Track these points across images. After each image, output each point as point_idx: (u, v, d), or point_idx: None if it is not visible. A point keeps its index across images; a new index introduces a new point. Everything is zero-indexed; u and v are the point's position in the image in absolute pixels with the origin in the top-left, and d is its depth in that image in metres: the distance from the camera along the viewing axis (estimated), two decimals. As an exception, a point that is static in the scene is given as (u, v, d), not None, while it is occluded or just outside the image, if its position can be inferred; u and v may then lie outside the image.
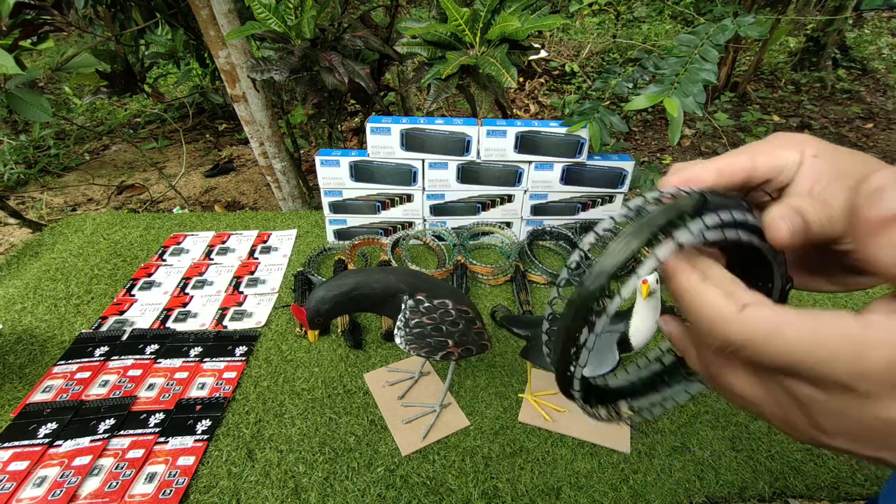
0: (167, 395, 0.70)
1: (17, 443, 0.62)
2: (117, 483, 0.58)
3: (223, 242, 1.08)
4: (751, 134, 2.88)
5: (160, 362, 0.76)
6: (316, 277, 0.93)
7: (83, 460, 0.60)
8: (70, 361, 0.75)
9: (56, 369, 0.74)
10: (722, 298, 0.20)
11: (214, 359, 0.77)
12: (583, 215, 1.08)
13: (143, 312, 0.87)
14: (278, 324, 0.85)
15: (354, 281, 0.57)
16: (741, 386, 0.22)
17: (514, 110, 3.18)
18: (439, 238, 1.08)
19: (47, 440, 0.62)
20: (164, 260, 1.02)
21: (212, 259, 1.02)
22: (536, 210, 1.06)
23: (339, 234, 1.08)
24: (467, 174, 0.99)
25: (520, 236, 1.10)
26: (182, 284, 0.94)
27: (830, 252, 0.23)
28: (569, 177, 1.01)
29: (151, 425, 0.65)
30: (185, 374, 0.74)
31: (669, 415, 0.70)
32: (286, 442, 0.65)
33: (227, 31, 1.14)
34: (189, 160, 2.60)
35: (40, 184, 2.34)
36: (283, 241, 1.10)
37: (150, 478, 0.59)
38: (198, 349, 0.79)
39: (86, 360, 0.76)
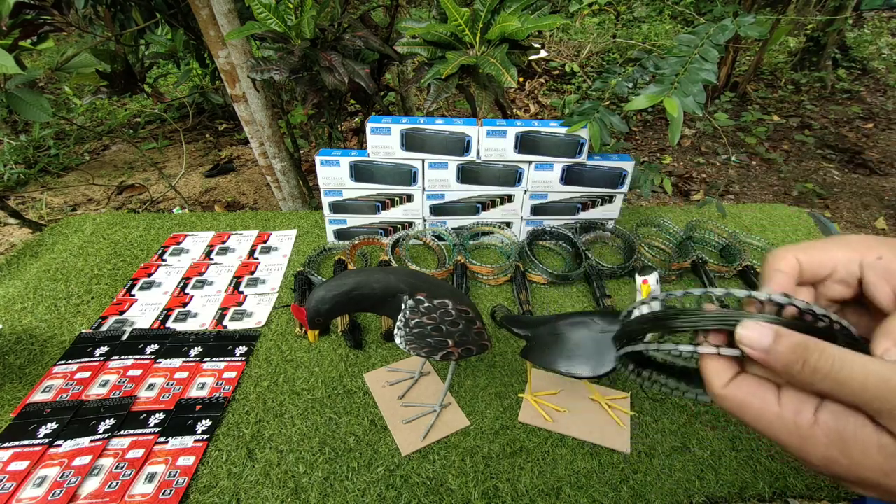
0: (167, 395, 0.70)
1: (17, 443, 0.62)
2: (117, 483, 0.58)
3: (223, 242, 1.08)
4: (751, 134, 2.88)
5: (160, 362, 0.76)
6: (316, 277, 0.93)
7: (83, 460, 0.60)
8: (70, 361, 0.75)
9: (56, 369, 0.74)
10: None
11: (214, 359, 0.77)
12: (583, 215, 1.08)
13: (143, 312, 0.87)
14: (278, 324, 0.85)
15: (354, 281, 0.57)
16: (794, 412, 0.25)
17: (514, 110, 3.18)
18: (439, 238, 1.08)
19: (47, 440, 0.63)
20: (164, 260, 1.02)
21: (212, 259, 1.02)
22: (536, 210, 1.06)
23: (339, 234, 1.08)
24: (467, 174, 0.99)
25: (520, 236, 1.10)
26: (182, 284, 0.94)
27: None
28: (569, 177, 1.01)
29: (151, 425, 0.65)
30: (185, 374, 0.74)
31: (669, 415, 0.70)
32: (286, 442, 0.65)
33: (227, 31, 1.14)
34: (189, 160, 2.60)
35: (40, 184, 2.34)
36: (283, 241, 1.10)
37: (150, 478, 0.59)
38: (198, 349, 0.79)
39: (86, 360, 0.76)
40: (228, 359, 0.77)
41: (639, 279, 0.56)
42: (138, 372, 0.74)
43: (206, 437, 0.64)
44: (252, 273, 0.98)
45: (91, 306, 0.88)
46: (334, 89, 1.03)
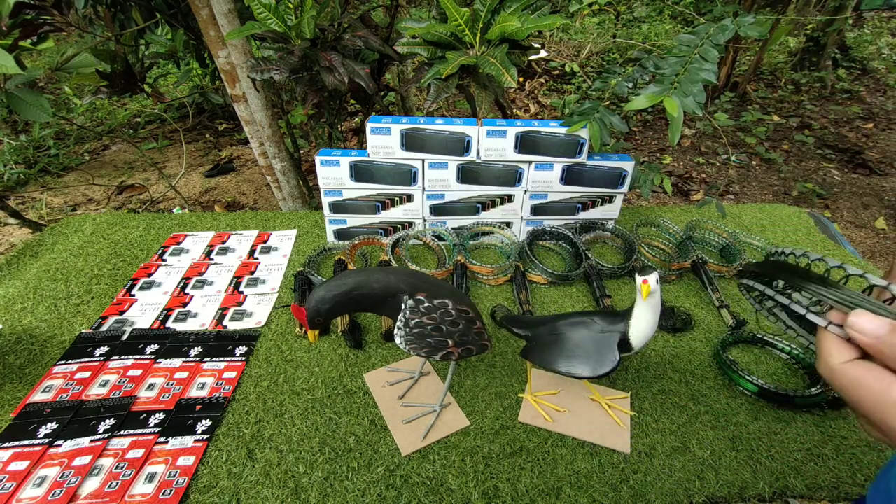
0: (167, 395, 0.70)
1: (17, 443, 0.62)
2: (117, 483, 0.58)
3: (223, 242, 1.08)
4: (751, 134, 2.88)
5: (160, 362, 0.76)
6: (316, 277, 0.93)
7: (83, 460, 0.60)
8: (70, 361, 0.75)
9: (56, 369, 0.74)
10: None
11: (214, 359, 0.77)
12: (583, 215, 1.08)
13: (143, 312, 0.87)
14: (278, 324, 0.85)
15: (354, 281, 0.57)
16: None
17: (514, 110, 3.18)
18: (439, 238, 1.08)
19: (47, 440, 0.62)
20: (164, 260, 1.02)
21: (212, 259, 1.02)
22: (536, 210, 1.06)
23: (339, 234, 1.08)
24: (467, 174, 0.99)
25: (520, 236, 1.10)
26: (182, 284, 0.94)
27: None
28: (569, 177, 1.01)
29: (151, 425, 0.65)
30: (185, 374, 0.74)
31: (669, 415, 0.70)
32: (286, 442, 0.65)
33: (227, 31, 1.14)
34: (189, 160, 2.60)
35: (40, 184, 2.34)
36: (283, 241, 1.10)
37: (150, 478, 0.59)
38: (198, 349, 0.79)
39: (86, 360, 0.76)
40: (228, 359, 0.77)
41: (639, 279, 0.56)
42: (138, 372, 0.74)
43: (206, 437, 0.64)
44: (252, 273, 0.98)
45: (91, 306, 0.88)
46: (334, 89, 1.03)
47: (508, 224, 1.08)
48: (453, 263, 0.97)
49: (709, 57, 0.82)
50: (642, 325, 0.59)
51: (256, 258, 1.03)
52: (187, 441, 0.64)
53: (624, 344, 0.60)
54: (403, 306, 0.58)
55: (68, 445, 0.62)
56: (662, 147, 2.89)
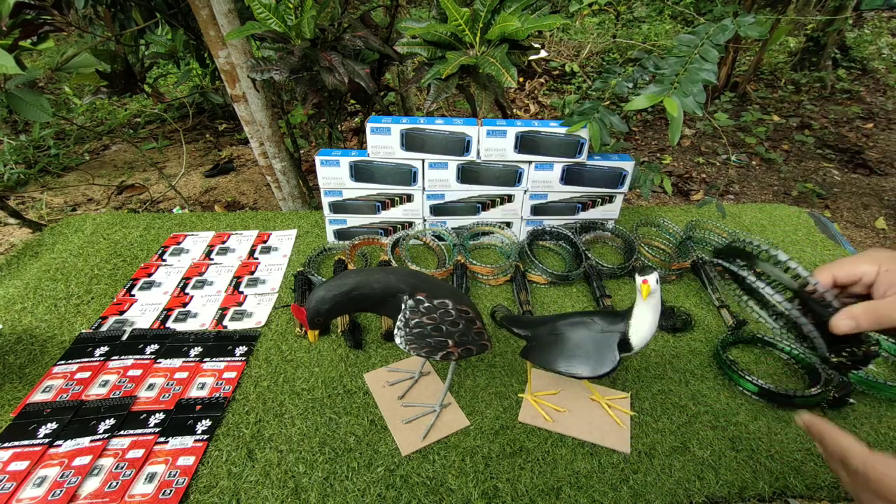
0: (167, 395, 0.70)
1: (17, 443, 0.62)
2: (117, 483, 0.58)
3: (223, 242, 1.08)
4: (751, 134, 2.88)
5: (160, 362, 0.76)
6: (316, 277, 0.93)
7: (83, 460, 0.60)
8: (70, 361, 0.75)
9: (56, 369, 0.74)
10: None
11: (214, 359, 0.77)
12: (583, 215, 1.08)
13: (143, 312, 0.87)
14: (278, 324, 0.85)
15: (354, 281, 0.57)
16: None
17: (514, 110, 3.18)
18: (439, 238, 1.08)
19: (47, 440, 0.63)
20: (164, 260, 1.02)
21: (212, 259, 1.02)
22: (536, 210, 1.06)
23: (339, 234, 1.08)
24: (467, 174, 0.99)
25: (520, 236, 1.10)
26: (182, 284, 0.94)
27: None
28: (569, 177, 1.01)
29: (151, 425, 0.65)
30: (185, 374, 0.74)
31: (669, 415, 0.70)
32: (286, 442, 0.65)
33: (227, 31, 1.14)
34: (189, 160, 2.60)
35: (40, 184, 2.34)
36: (283, 241, 1.10)
37: (150, 478, 0.59)
38: (198, 349, 0.79)
39: (86, 360, 0.76)
40: (228, 359, 0.77)
41: (639, 279, 0.56)
42: (138, 372, 0.74)
43: (206, 437, 0.64)
44: (252, 273, 0.98)
45: (91, 306, 0.89)
46: (334, 89, 1.03)
47: (508, 224, 1.08)
48: (453, 263, 0.97)
49: (709, 57, 0.82)
50: (642, 325, 0.59)
51: (256, 258, 1.03)
52: (187, 441, 0.64)
53: (624, 344, 0.60)
54: (403, 306, 0.58)
55: (68, 445, 0.62)
56: (662, 147, 2.89)
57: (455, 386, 0.74)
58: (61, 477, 0.58)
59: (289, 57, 1.05)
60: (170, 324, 0.84)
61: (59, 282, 0.94)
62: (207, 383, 0.72)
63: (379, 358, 0.79)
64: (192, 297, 0.91)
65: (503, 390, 0.73)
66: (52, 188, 2.31)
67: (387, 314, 0.60)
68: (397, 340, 0.59)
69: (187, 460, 0.61)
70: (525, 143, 0.95)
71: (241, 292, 0.93)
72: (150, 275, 0.97)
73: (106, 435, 0.63)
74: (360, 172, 0.99)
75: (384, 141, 0.94)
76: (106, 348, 0.78)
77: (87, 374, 0.73)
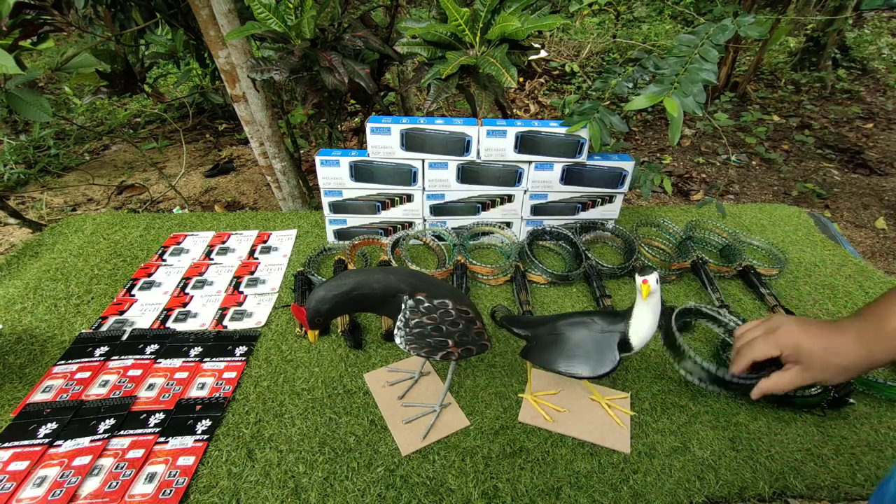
0: (167, 395, 0.70)
1: (17, 443, 0.62)
2: (117, 483, 0.58)
3: (223, 242, 1.08)
4: (751, 134, 2.88)
5: (160, 362, 0.76)
6: (316, 277, 0.93)
7: (83, 460, 0.60)
8: (70, 361, 0.75)
9: (56, 369, 0.74)
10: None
11: (214, 359, 0.77)
12: (583, 215, 1.08)
13: (143, 312, 0.87)
14: (278, 324, 0.85)
15: (354, 281, 0.57)
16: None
17: (514, 110, 3.18)
18: (439, 238, 1.08)
19: (47, 440, 0.63)
20: (164, 260, 1.02)
21: (212, 259, 1.02)
22: (536, 210, 1.06)
23: (339, 234, 1.08)
24: (467, 174, 0.99)
25: (520, 236, 1.10)
26: (182, 284, 0.94)
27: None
28: (569, 177, 1.01)
29: (151, 425, 0.65)
30: (185, 374, 0.74)
31: (669, 415, 0.70)
32: (286, 442, 0.65)
33: (227, 31, 1.14)
34: (189, 160, 2.60)
35: (40, 184, 2.34)
36: (283, 241, 1.10)
37: (150, 478, 0.59)
38: (198, 349, 0.79)
39: (86, 360, 0.76)
40: (228, 359, 0.77)
41: (639, 279, 0.56)
42: (138, 372, 0.74)
43: (206, 437, 0.64)
44: (252, 273, 0.98)
45: (91, 306, 0.89)
46: (334, 89, 1.03)
47: (508, 224, 1.08)
48: (453, 263, 0.97)
49: (709, 57, 0.82)
50: (642, 325, 0.59)
51: (256, 258, 1.03)
52: (187, 441, 0.64)
53: (624, 344, 0.60)
54: (403, 306, 0.58)
55: (68, 445, 0.62)
56: (662, 147, 2.89)
57: (455, 386, 0.74)
58: (61, 477, 0.58)
59: (289, 57, 1.05)
60: (170, 324, 0.84)
61: (59, 282, 0.94)
62: (207, 383, 0.72)
63: (379, 358, 0.79)
64: (192, 297, 0.91)
65: (503, 390, 0.73)
66: (52, 188, 2.31)
67: (387, 314, 0.60)
68: (397, 340, 0.59)
69: (187, 460, 0.61)
70: (525, 143, 0.95)
71: (241, 292, 0.93)
72: (150, 275, 0.97)
73: (106, 435, 0.63)
74: (360, 172, 0.99)
75: (384, 141, 0.94)
76: (106, 348, 0.78)
77: (87, 374, 0.73)
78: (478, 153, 0.97)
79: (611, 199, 1.06)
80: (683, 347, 0.68)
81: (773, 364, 0.61)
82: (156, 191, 2.34)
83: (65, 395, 0.69)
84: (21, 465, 0.59)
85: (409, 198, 1.03)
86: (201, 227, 1.15)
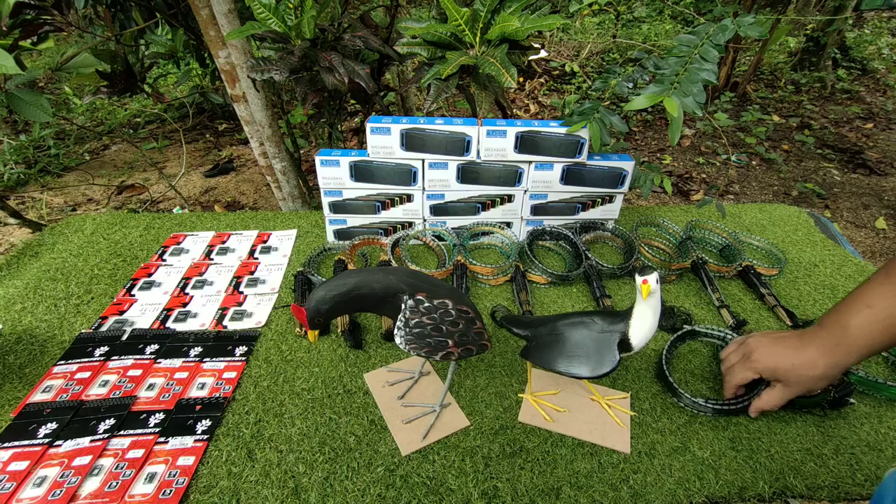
0: (167, 395, 0.70)
1: (17, 443, 0.62)
2: (117, 483, 0.58)
3: (223, 242, 1.08)
4: (751, 134, 2.88)
5: (160, 362, 0.76)
6: (316, 277, 0.93)
7: (83, 460, 0.60)
8: (70, 361, 0.75)
9: (56, 369, 0.74)
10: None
11: (214, 359, 0.77)
12: (583, 215, 1.08)
13: (143, 312, 0.87)
14: (278, 324, 0.85)
15: (354, 281, 0.57)
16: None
17: (514, 110, 3.18)
18: (439, 238, 1.08)
19: (47, 440, 0.63)
20: (164, 260, 1.02)
21: (212, 259, 1.02)
22: (536, 210, 1.06)
23: (339, 234, 1.08)
24: (467, 174, 0.99)
25: (520, 236, 1.10)
26: (182, 284, 0.94)
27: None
28: (569, 177, 1.01)
29: (151, 425, 0.65)
30: (185, 374, 0.74)
31: (669, 415, 0.70)
32: (286, 442, 0.65)
33: (227, 31, 1.14)
34: (189, 160, 2.60)
35: (40, 184, 2.34)
36: (283, 241, 1.10)
37: (150, 478, 0.59)
38: (198, 349, 0.79)
39: (86, 360, 0.76)
40: (228, 359, 0.77)
41: (639, 279, 0.56)
42: (138, 372, 0.74)
43: (206, 437, 0.64)
44: (252, 273, 0.98)
45: (91, 306, 0.89)
46: (334, 89, 1.03)
47: (508, 224, 1.08)
48: (453, 263, 0.97)
49: (709, 57, 0.82)
50: (642, 325, 0.59)
51: (256, 258, 1.03)
52: (187, 441, 0.64)
53: (624, 344, 0.60)
54: (403, 306, 0.58)
55: (68, 445, 0.62)
56: (662, 147, 2.89)
57: (455, 386, 0.74)
58: (61, 477, 0.58)
59: (289, 57, 1.05)
60: (170, 324, 0.84)
61: (59, 282, 0.94)
62: (207, 383, 0.72)
63: (379, 358, 0.79)
64: (192, 297, 0.91)
65: (503, 390, 0.73)
66: (52, 188, 2.31)
67: (387, 314, 0.60)
68: (397, 340, 0.59)
69: (187, 460, 0.61)
70: (525, 143, 0.95)
71: (241, 292, 0.93)
72: (150, 275, 0.97)
73: (106, 435, 0.63)
74: (360, 172, 0.99)
75: (384, 141, 0.94)
76: (106, 348, 0.78)
77: (87, 374, 0.73)
78: (478, 153, 0.97)
79: (611, 199, 1.06)
80: (675, 386, 0.71)
81: (762, 381, 0.66)
82: (156, 191, 2.34)
83: (65, 395, 0.69)
84: (21, 465, 0.59)
85: (409, 198, 1.03)
86: (201, 227, 1.15)
